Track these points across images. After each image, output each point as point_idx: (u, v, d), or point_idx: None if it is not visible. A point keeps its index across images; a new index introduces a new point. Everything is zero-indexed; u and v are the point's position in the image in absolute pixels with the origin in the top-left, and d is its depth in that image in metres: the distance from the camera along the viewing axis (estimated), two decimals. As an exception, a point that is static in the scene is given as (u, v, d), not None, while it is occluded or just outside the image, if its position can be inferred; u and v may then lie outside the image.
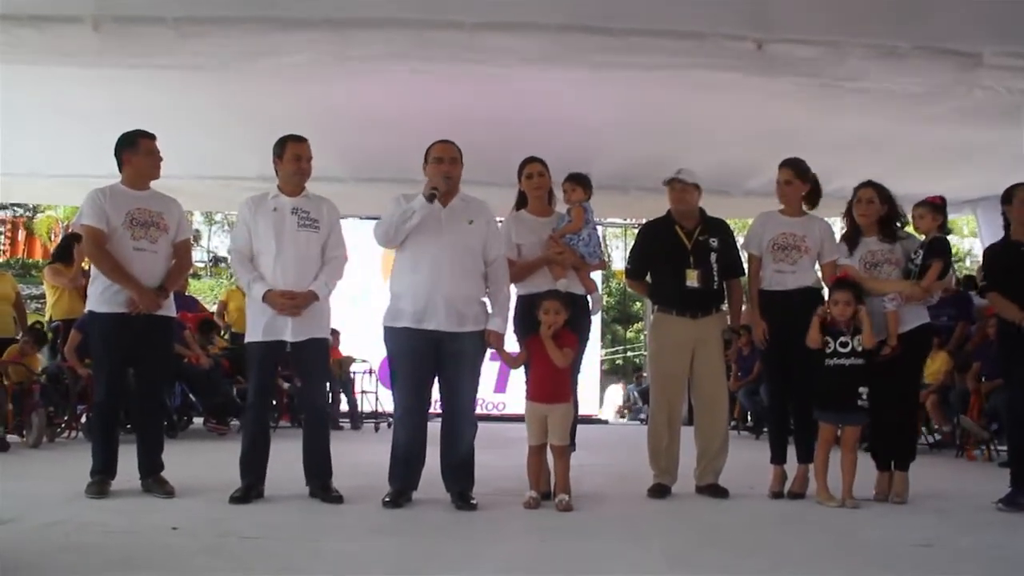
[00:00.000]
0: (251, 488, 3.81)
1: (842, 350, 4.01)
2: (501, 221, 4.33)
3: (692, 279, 4.10)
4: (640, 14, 4.97)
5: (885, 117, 6.26)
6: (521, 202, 4.22)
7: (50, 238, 19.64)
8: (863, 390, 3.98)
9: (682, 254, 4.14)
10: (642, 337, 16.49)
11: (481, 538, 3.18)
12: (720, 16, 4.99)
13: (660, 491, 4.12)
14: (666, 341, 4.24)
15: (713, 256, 4.15)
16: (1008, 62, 5.15)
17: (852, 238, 4.27)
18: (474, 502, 3.72)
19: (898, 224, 4.27)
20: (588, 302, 4.15)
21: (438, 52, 5.05)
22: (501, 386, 9.64)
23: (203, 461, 5.28)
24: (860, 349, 3.99)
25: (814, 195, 4.35)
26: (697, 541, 3.23)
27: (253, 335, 3.87)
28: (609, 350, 18.87)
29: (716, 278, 4.16)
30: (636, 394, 11.86)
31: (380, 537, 3.22)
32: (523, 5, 4.95)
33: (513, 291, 4.07)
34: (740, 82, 5.76)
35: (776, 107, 6.09)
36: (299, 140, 3.96)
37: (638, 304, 18.54)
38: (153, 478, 3.93)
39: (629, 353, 18.37)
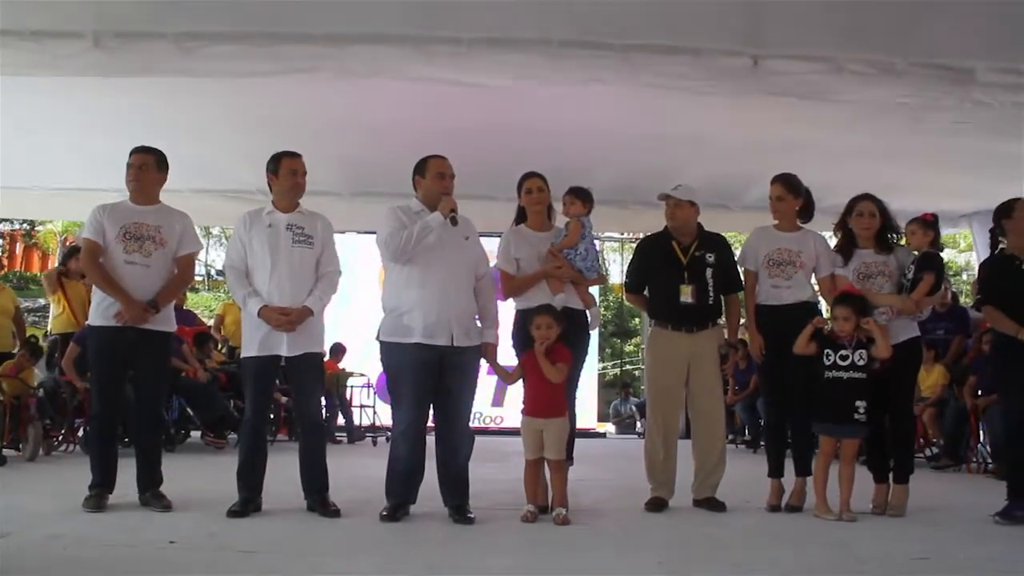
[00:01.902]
0: (249, 502, 3.81)
1: (842, 363, 4.02)
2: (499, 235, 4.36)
3: (686, 294, 4.11)
4: (637, 30, 5.00)
5: (882, 131, 6.31)
6: (520, 217, 4.24)
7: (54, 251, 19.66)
8: (860, 404, 3.98)
9: (677, 269, 4.15)
10: (640, 352, 16.48)
11: (479, 552, 3.17)
12: (716, 32, 5.01)
13: (657, 505, 4.12)
14: (661, 355, 4.25)
15: (709, 271, 4.16)
16: (1000, 78, 5.19)
17: (846, 249, 4.26)
18: (471, 515, 3.71)
19: (893, 236, 4.27)
20: (586, 317, 4.16)
21: (436, 67, 5.07)
22: (498, 399, 9.63)
23: (201, 475, 5.27)
24: (861, 363, 4.00)
25: (807, 210, 4.36)
26: (694, 554, 3.23)
27: (249, 350, 3.90)
28: (609, 363, 18.86)
29: (712, 294, 4.16)
30: (634, 407, 11.84)
31: (378, 551, 3.22)
32: (521, 21, 4.98)
33: (511, 305, 4.10)
34: (738, 96, 5.82)
35: (773, 122, 6.12)
36: (294, 156, 3.98)
37: (636, 319, 18.55)
38: (151, 492, 3.93)
39: (627, 366, 18.35)
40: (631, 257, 4.49)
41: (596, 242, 4.36)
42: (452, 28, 4.99)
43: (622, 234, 11.80)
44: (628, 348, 19.48)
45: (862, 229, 4.22)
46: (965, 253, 18.19)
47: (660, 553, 3.21)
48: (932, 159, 7.02)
